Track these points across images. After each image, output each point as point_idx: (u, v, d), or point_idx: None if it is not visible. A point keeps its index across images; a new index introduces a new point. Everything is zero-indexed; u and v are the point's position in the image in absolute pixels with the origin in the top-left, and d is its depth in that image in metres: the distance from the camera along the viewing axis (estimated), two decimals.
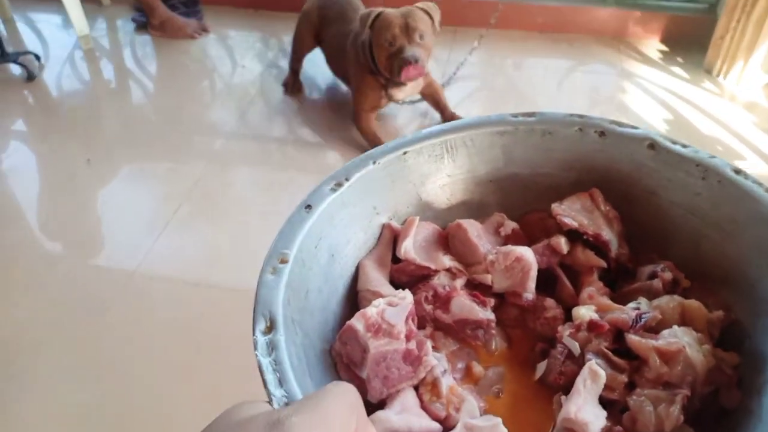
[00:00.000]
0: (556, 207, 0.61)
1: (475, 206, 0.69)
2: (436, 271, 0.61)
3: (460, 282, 0.61)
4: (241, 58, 2.52)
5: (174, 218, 1.77)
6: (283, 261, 0.55)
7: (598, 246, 0.60)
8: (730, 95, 2.31)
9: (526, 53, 2.55)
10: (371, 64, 1.90)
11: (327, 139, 2.11)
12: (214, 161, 1.99)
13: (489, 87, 2.40)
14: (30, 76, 2.31)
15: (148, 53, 2.57)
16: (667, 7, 2.64)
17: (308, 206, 0.60)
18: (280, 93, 2.33)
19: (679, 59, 2.51)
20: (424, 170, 0.67)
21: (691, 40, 2.54)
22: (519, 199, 0.68)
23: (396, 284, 0.62)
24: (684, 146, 0.59)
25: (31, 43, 2.60)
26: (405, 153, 0.66)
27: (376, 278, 0.61)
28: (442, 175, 0.68)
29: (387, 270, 0.63)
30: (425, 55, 1.82)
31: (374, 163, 0.64)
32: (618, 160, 0.63)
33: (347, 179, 0.63)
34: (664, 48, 2.59)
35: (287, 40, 2.47)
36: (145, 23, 2.58)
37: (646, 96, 2.30)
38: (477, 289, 0.60)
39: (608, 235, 0.60)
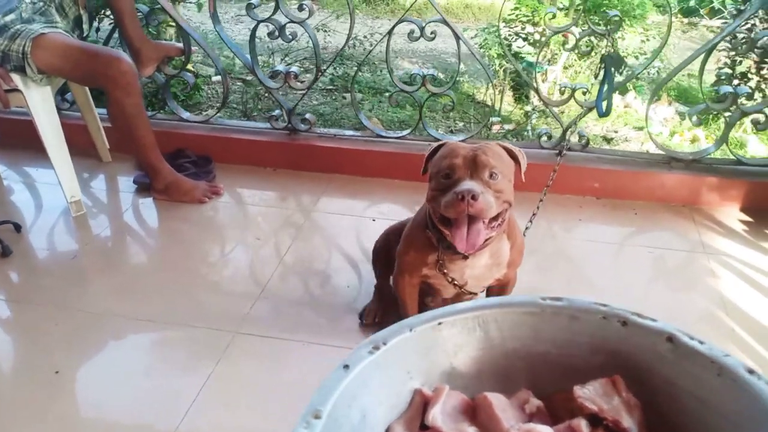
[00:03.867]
0: (578, 390, 0.65)
1: (503, 379, 0.73)
2: None
3: None
4: (255, 221, 2.20)
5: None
6: (317, 417, 0.60)
7: None
8: None
9: (581, 219, 2.24)
10: (427, 218, 1.39)
11: (347, 309, 1.72)
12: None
13: (537, 251, 1.98)
14: (5, 252, 1.95)
15: (150, 218, 2.23)
16: (746, 172, 2.27)
17: (346, 366, 0.66)
18: (300, 256, 1.95)
19: None
20: (457, 341, 0.73)
21: None
22: (546, 376, 0.72)
23: None
24: (701, 342, 0.63)
25: (17, 205, 2.25)
26: (440, 323, 0.72)
27: None
28: (473, 347, 0.73)
29: None
30: (495, 204, 1.23)
31: (411, 330, 0.71)
32: (640, 349, 0.66)
33: (384, 343, 0.69)
34: (747, 218, 2.21)
35: (307, 199, 2.27)
36: (148, 185, 2.26)
37: (729, 273, 1.91)
38: None
39: (628, 422, 0.62)
